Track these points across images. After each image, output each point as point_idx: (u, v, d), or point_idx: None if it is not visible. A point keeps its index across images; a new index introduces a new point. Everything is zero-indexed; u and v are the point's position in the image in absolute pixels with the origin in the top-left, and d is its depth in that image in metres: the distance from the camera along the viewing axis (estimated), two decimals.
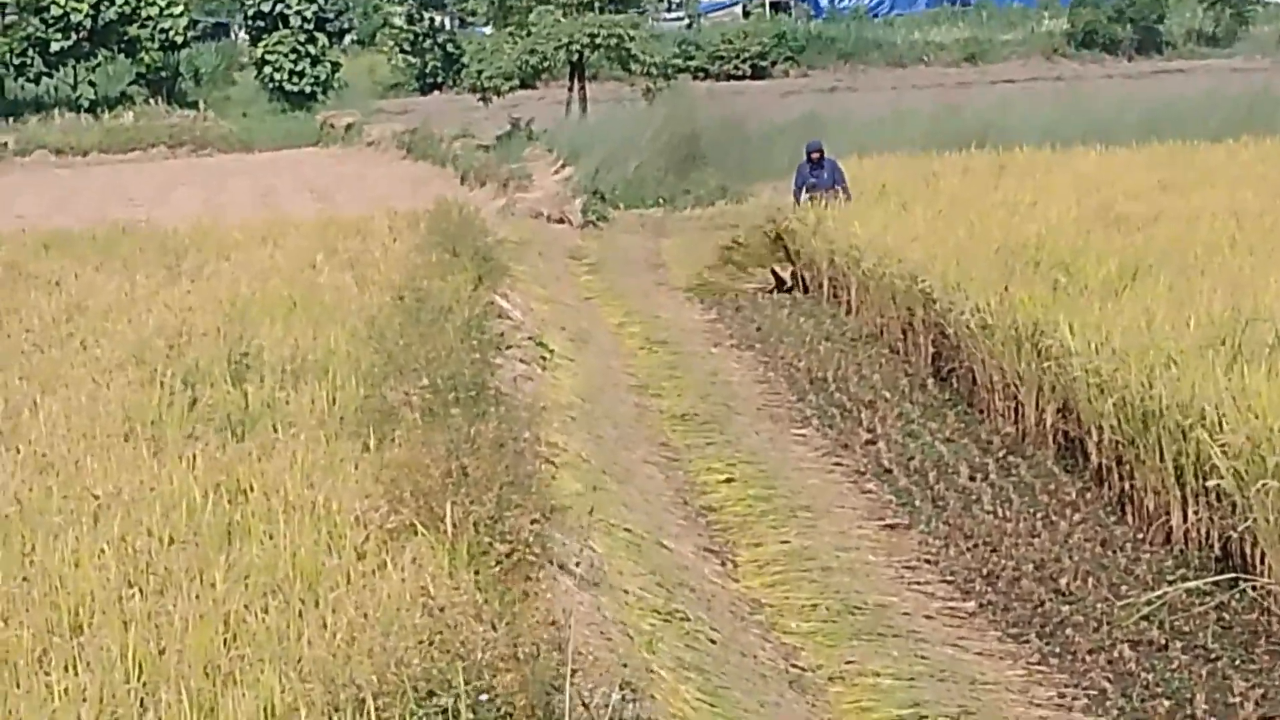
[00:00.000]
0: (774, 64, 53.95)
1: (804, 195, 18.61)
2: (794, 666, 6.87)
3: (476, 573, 5.61)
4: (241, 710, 4.25)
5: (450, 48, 50.64)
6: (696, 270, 18.96)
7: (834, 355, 14.40)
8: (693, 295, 18.30)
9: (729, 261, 18.67)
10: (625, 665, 5.36)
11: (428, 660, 4.39)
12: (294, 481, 7.04)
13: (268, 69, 49.30)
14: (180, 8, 48.80)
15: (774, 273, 18.33)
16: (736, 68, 52.59)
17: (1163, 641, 7.00)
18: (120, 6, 46.74)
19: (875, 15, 61.93)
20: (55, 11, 46.09)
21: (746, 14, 64.00)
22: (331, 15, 51.60)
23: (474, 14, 48.95)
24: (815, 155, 19.05)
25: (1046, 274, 12.07)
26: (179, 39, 49.14)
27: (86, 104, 46.58)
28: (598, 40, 34.27)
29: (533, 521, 6.10)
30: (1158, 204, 15.98)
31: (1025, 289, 11.41)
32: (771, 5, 65.22)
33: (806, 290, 17.93)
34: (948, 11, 62.08)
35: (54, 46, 47.09)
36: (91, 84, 48.10)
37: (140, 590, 5.48)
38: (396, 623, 4.83)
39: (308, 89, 49.10)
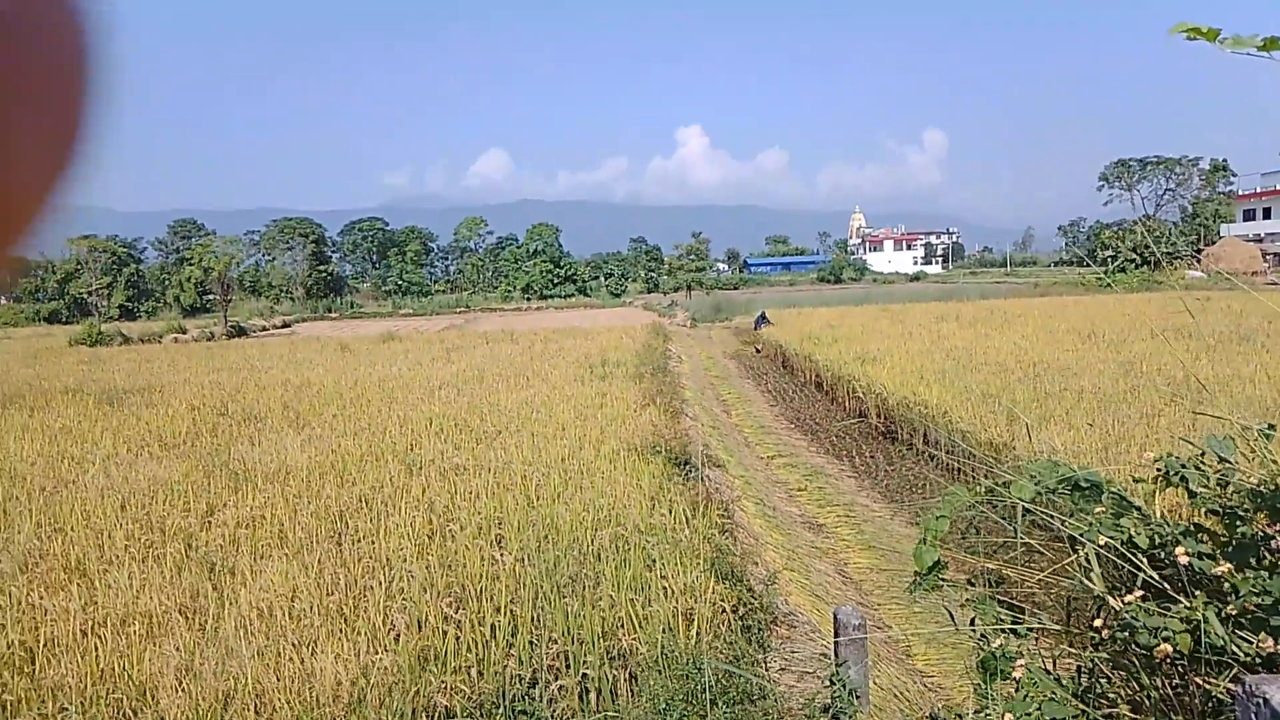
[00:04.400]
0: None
1: (758, 327, 42.91)
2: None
3: (666, 417, 18.62)
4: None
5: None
6: (729, 344, 43.18)
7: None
8: (733, 354, 39.90)
9: (746, 344, 42.64)
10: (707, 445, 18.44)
11: (655, 437, 16.38)
12: (617, 389, 20.88)
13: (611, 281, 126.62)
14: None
15: (756, 349, 40.64)
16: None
17: None
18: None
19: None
20: None
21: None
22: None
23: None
24: (761, 313, 46.28)
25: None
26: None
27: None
28: (692, 283, 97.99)
29: (680, 402, 19.99)
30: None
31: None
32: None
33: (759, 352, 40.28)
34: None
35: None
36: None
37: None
38: (641, 428, 17.41)
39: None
